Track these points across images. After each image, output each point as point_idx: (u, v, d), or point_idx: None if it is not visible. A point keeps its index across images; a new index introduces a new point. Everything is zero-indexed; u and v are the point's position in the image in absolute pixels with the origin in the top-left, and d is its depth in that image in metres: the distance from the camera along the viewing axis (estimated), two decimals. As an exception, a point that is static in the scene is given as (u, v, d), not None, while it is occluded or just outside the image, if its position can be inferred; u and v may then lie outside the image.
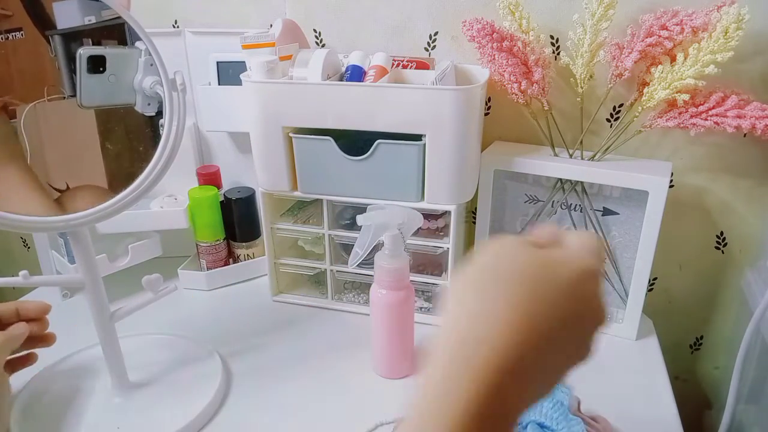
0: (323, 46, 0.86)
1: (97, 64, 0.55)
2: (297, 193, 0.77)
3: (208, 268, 0.89)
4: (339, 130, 0.72)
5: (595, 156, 0.75)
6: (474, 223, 0.83)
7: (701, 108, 0.67)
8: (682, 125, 0.68)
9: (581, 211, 0.79)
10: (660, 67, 0.67)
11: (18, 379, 0.67)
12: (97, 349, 0.64)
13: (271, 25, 0.84)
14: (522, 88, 0.71)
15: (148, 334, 0.75)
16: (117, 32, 0.56)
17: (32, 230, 0.55)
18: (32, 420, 0.62)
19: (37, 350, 0.60)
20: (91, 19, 0.56)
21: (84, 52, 0.55)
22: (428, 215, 0.76)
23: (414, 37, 0.82)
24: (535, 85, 0.71)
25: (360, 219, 0.63)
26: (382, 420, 0.62)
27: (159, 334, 0.76)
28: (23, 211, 0.51)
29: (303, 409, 0.65)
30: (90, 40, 0.57)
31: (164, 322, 0.79)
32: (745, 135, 0.75)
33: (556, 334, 0.30)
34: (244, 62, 0.76)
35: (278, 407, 0.65)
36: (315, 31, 0.86)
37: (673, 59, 0.67)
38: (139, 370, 0.67)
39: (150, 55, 0.55)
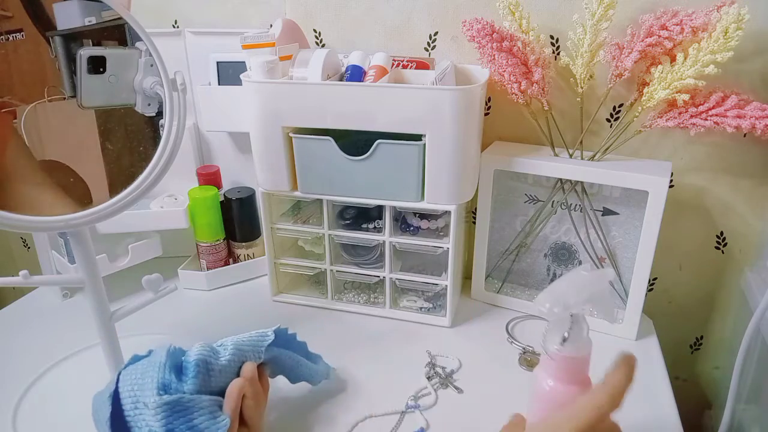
0: (323, 46, 0.86)
1: (97, 65, 0.55)
2: (297, 193, 0.77)
3: (208, 268, 0.89)
4: (339, 130, 0.72)
5: (595, 156, 0.75)
6: (474, 223, 0.83)
7: (701, 108, 0.67)
8: (682, 125, 0.68)
9: (581, 211, 0.80)
10: (660, 67, 0.67)
11: (21, 381, 0.67)
12: (97, 349, 0.64)
13: (271, 25, 0.84)
14: (522, 88, 0.71)
15: (148, 334, 0.75)
16: (117, 33, 0.56)
17: (32, 230, 0.55)
18: (34, 420, 0.62)
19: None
20: (91, 20, 0.56)
21: (84, 52, 0.55)
22: (428, 215, 0.76)
23: (414, 37, 0.82)
24: (535, 85, 0.71)
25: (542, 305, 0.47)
26: (371, 413, 0.63)
27: (159, 333, 0.76)
28: (32, 210, 0.51)
29: (301, 408, 0.65)
30: (90, 40, 0.57)
31: (164, 322, 0.79)
32: (745, 135, 0.75)
33: None
34: (244, 62, 0.76)
35: (277, 406, 0.65)
36: (315, 31, 0.86)
37: (673, 59, 0.67)
38: None
39: (150, 55, 0.55)
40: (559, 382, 0.49)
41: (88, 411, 0.52)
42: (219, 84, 0.85)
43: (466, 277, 0.88)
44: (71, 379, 0.69)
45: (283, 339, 0.62)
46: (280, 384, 0.68)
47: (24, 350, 0.75)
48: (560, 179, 0.78)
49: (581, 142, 0.75)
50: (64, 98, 0.57)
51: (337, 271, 0.81)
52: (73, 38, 0.56)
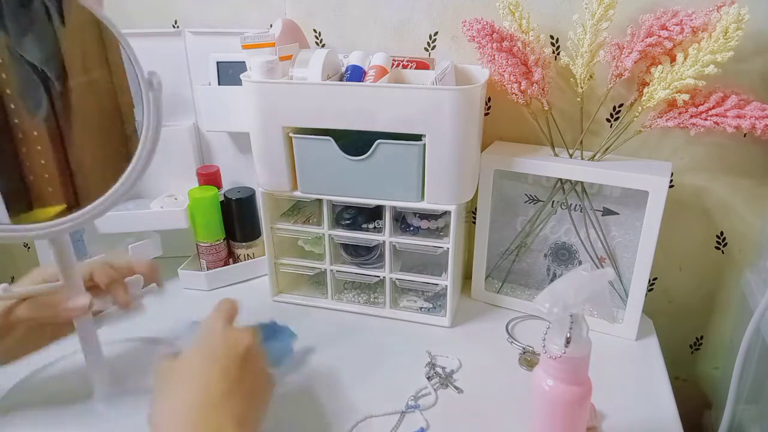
0: (323, 46, 0.86)
1: None
2: (297, 193, 0.77)
3: (208, 268, 0.89)
4: (339, 130, 0.72)
5: (595, 156, 0.75)
6: (474, 223, 0.83)
7: (701, 108, 0.67)
8: (682, 125, 0.68)
9: (581, 211, 0.80)
10: (660, 67, 0.67)
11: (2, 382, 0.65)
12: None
13: (271, 25, 0.84)
14: (522, 88, 0.71)
15: (134, 340, 0.72)
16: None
17: (13, 240, 0.54)
18: (12, 426, 0.59)
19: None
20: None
21: None
22: (428, 215, 0.76)
23: (414, 37, 0.82)
24: (535, 85, 0.71)
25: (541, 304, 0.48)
26: (371, 413, 0.63)
27: (158, 334, 0.75)
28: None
29: (301, 408, 0.65)
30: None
31: (164, 322, 0.79)
32: (745, 135, 0.75)
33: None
34: (244, 62, 0.76)
35: (275, 405, 0.65)
36: (315, 31, 0.86)
37: (673, 59, 0.67)
38: (125, 376, 0.64)
39: None
40: (558, 381, 0.49)
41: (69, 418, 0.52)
42: (219, 84, 0.85)
43: (466, 277, 0.88)
44: (57, 385, 0.65)
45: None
46: (277, 381, 0.68)
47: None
48: (560, 179, 0.78)
49: (581, 142, 0.75)
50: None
51: (337, 271, 0.81)
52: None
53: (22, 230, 0.51)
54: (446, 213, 0.74)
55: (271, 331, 0.68)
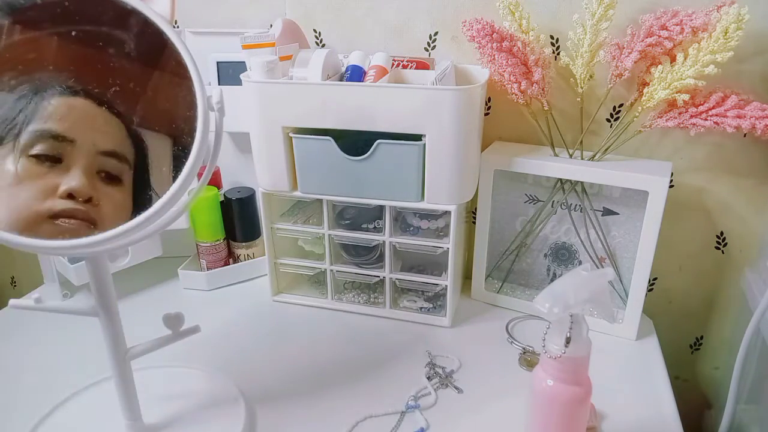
0: (323, 46, 0.86)
1: None
2: (297, 193, 0.77)
3: (208, 268, 0.89)
4: (339, 130, 0.72)
5: (595, 156, 0.75)
6: (474, 223, 0.83)
7: (701, 108, 0.67)
8: (682, 125, 0.68)
9: (581, 211, 0.80)
10: (660, 67, 0.67)
11: (26, 420, 0.62)
12: (109, 384, 0.58)
13: (271, 25, 0.84)
14: (522, 88, 0.71)
15: (163, 367, 0.69)
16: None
17: (52, 254, 0.49)
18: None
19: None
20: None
21: None
22: (428, 215, 0.76)
23: (414, 37, 0.82)
24: (535, 85, 0.71)
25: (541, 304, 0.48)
26: (371, 413, 0.63)
27: (174, 366, 0.70)
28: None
29: (301, 407, 0.65)
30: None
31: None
32: (745, 135, 0.75)
33: None
34: (244, 62, 0.76)
35: (275, 404, 0.65)
36: (315, 31, 0.86)
37: (673, 59, 0.67)
38: (154, 409, 0.61)
39: None
40: (558, 381, 0.49)
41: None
42: (219, 84, 0.85)
43: (466, 277, 0.88)
44: (82, 421, 0.63)
45: None
46: (278, 381, 0.68)
47: (24, 352, 0.75)
48: (560, 179, 0.78)
49: (581, 142, 0.75)
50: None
51: (337, 271, 0.81)
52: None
53: (55, 247, 0.46)
54: (446, 213, 0.74)
55: None
